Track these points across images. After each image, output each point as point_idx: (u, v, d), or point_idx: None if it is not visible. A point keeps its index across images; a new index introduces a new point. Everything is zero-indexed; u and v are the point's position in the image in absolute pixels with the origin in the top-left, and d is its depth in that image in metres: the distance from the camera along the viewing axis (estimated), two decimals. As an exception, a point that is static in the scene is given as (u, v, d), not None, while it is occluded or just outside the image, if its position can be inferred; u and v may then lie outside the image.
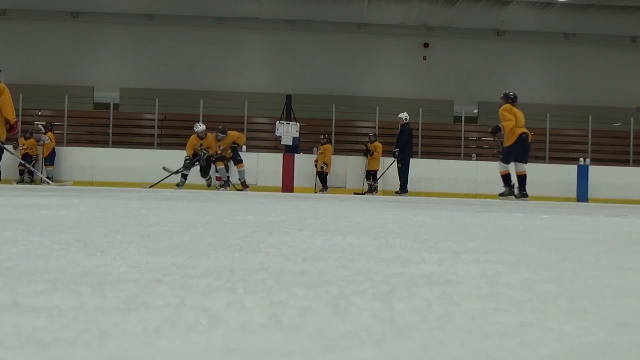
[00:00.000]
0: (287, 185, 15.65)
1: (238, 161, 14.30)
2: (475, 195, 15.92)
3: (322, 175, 15.85)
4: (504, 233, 2.44)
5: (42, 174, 16.06)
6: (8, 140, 16.68)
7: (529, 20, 22.26)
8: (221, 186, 14.09)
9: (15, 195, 5.18)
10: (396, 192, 14.51)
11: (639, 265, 1.51)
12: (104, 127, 19.25)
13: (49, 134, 16.34)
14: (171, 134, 19.33)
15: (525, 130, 11.52)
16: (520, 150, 11.55)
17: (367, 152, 16.05)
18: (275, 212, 3.44)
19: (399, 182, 14.46)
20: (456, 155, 18.83)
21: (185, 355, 0.60)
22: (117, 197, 5.59)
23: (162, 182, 13.85)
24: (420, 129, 18.68)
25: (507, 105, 11.55)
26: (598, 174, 16.61)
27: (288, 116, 16.51)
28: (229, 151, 14.23)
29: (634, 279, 1.22)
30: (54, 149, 16.38)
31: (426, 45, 22.73)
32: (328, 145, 15.98)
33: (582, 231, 2.88)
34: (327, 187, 15.80)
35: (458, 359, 0.61)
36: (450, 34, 22.41)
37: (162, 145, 18.53)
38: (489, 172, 16.77)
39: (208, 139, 13.98)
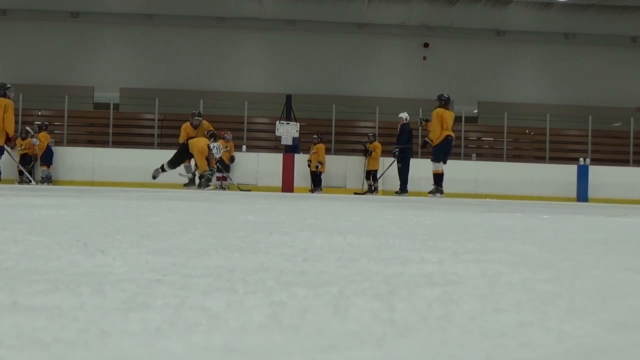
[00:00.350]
0: (287, 185, 15.65)
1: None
2: (475, 195, 15.93)
3: (316, 175, 15.89)
4: (504, 233, 2.44)
5: (35, 173, 16.10)
6: (8, 140, 16.71)
7: (529, 20, 22.26)
8: (185, 185, 13.07)
9: (15, 195, 5.18)
10: (396, 192, 14.51)
11: (639, 265, 1.51)
12: (104, 127, 19.25)
13: (42, 134, 16.30)
14: (171, 134, 19.29)
15: (451, 133, 12.08)
16: (444, 150, 12.07)
17: (366, 152, 16.07)
18: (275, 212, 3.44)
19: (399, 182, 14.46)
20: (456, 155, 18.83)
21: (185, 355, 0.60)
22: (117, 197, 5.59)
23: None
24: (420, 129, 18.68)
25: (440, 110, 12.06)
26: (598, 174, 16.62)
27: (288, 116, 16.51)
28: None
29: (634, 279, 1.22)
30: (50, 149, 16.35)
31: (426, 45, 22.73)
32: (321, 145, 16.00)
33: (582, 231, 2.88)
34: (321, 187, 15.83)
35: (458, 359, 0.61)
36: (450, 34, 22.41)
37: (162, 145, 18.53)
38: (489, 172, 16.79)
39: (202, 127, 13.17)
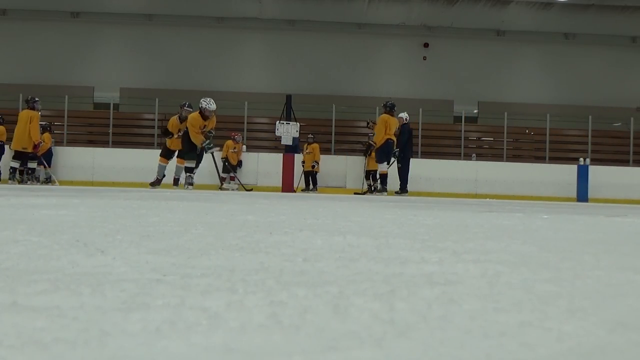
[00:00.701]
0: (287, 185, 15.65)
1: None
2: (475, 195, 15.93)
3: (312, 175, 15.91)
4: (504, 233, 2.44)
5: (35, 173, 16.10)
6: (8, 140, 16.72)
7: (529, 20, 22.26)
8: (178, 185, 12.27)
9: (15, 195, 5.18)
10: (396, 192, 14.51)
11: (639, 265, 1.51)
12: (103, 127, 19.25)
13: (45, 134, 16.31)
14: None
15: (392, 137, 13.16)
16: (386, 152, 13.18)
17: (366, 152, 16.08)
18: (275, 212, 3.44)
19: (399, 182, 14.46)
20: (456, 155, 18.84)
21: (185, 355, 0.60)
22: (117, 197, 5.59)
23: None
24: (420, 129, 18.68)
25: (385, 116, 13.29)
26: (598, 174, 16.62)
27: (288, 116, 16.51)
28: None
29: (634, 279, 1.22)
30: (50, 149, 16.36)
31: (426, 45, 22.73)
32: (316, 145, 16.01)
33: (582, 231, 2.88)
34: (317, 187, 15.85)
35: (458, 359, 0.61)
36: (450, 34, 22.41)
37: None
38: (489, 172, 16.79)
39: (212, 121, 12.25)
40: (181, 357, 0.59)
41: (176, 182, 12.57)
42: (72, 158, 16.66)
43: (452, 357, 0.61)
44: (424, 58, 22.75)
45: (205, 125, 12.09)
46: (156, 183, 12.65)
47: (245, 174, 16.00)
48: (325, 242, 1.74)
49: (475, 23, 22.18)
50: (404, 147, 14.23)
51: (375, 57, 22.50)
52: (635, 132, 19.54)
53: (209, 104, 12.16)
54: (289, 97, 16.87)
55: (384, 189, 13.26)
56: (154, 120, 19.26)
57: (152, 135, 19.17)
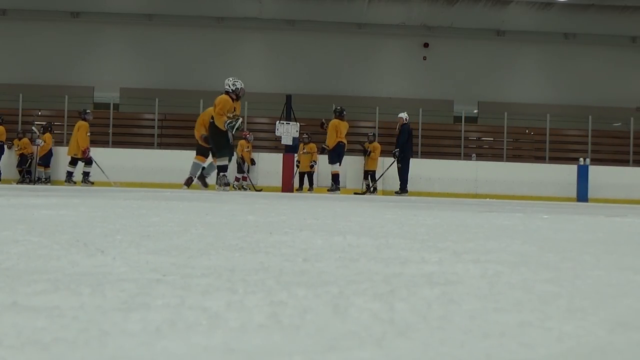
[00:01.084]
0: (287, 185, 15.64)
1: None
2: (475, 195, 15.93)
3: (309, 175, 15.91)
4: (504, 233, 2.44)
5: (35, 174, 16.11)
6: (8, 139, 16.73)
7: (529, 20, 22.26)
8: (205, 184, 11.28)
9: (15, 195, 5.18)
10: (396, 192, 14.51)
11: (639, 265, 1.51)
12: (104, 127, 19.24)
13: (47, 135, 16.31)
14: (171, 134, 19.34)
15: (344, 140, 14.27)
16: (338, 153, 14.20)
17: (365, 152, 16.10)
18: (275, 212, 3.44)
19: (399, 182, 14.46)
20: (456, 155, 18.84)
21: (185, 355, 0.60)
22: (117, 197, 5.59)
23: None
24: (420, 129, 18.69)
25: (335, 121, 14.20)
26: (598, 174, 16.62)
27: (288, 116, 16.50)
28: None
29: (634, 279, 1.22)
30: (50, 150, 16.36)
31: (426, 45, 22.73)
32: (313, 144, 16.02)
33: (582, 231, 2.88)
34: (313, 187, 15.87)
35: (458, 359, 0.61)
36: (450, 34, 22.41)
37: (162, 145, 18.54)
38: (489, 172, 16.79)
39: (239, 105, 11.06)
40: (181, 357, 0.59)
41: (189, 182, 11.47)
42: (72, 158, 16.63)
43: (452, 357, 0.61)
44: (424, 58, 22.74)
45: (234, 109, 10.81)
46: (190, 182, 11.51)
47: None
48: (325, 242, 1.74)
49: (475, 23, 22.18)
50: (403, 147, 14.23)
51: (375, 57, 22.50)
52: (635, 132, 19.54)
53: (240, 83, 10.97)
54: (289, 97, 16.87)
55: (337, 188, 14.19)
56: (154, 120, 19.27)
57: (152, 135, 19.17)
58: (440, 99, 22.00)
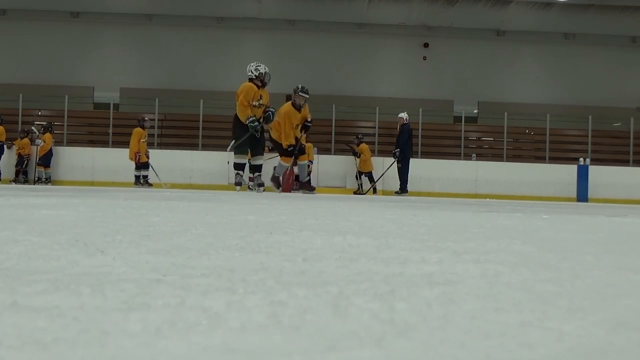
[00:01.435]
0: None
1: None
2: (475, 195, 15.93)
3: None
4: (504, 233, 2.44)
5: (35, 174, 16.13)
6: (8, 139, 16.74)
7: (529, 20, 22.26)
8: (257, 185, 9.57)
9: (15, 195, 5.18)
10: (396, 192, 14.51)
11: (639, 265, 1.51)
12: (103, 127, 19.25)
13: (47, 135, 16.32)
14: (171, 134, 19.34)
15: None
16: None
17: (355, 153, 16.24)
18: (275, 212, 3.44)
19: (399, 182, 14.46)
20: (456, 155, 18.84)
21: (185, 355, 0.60)
22: (117, 197, 5.58)
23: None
24: (420, 129, 18.69)
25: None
26: (598, 174, 16.62)
27: (288, 116, 16.49)
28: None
29: (634, 279, 1.22)
30: (51, 150, 16.37)
31: (426, 45, 22.73)
32: (310, 144, 16.04)
33: (582, 231, 2.88)
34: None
35: (458, 359, 0.61)
36: (450, 34, 22.41)
37: (162, 145, 18.54)
38: (489, 172, 16.79)
39: (266, 93, 9.90)
40: (181, 357, 0.59)
41: (278, 181, 10.52)
42: (72, 158, 16.67)
43: (452, 357, 0.61)
44: (424, 58, 22.75)
45: (260, 96, 9.71)
46: (278, 181, 10.68)
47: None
48: (325, 242, 1.74)
49: (475, 23, 22.18)
50: (403, 147, 14.24)
51: (375, 57, 22.50)
52: (635, 132, 19.54)
53: (264, 67, 9.81)
54: (289, 97, 16.87)
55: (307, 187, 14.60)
56: (154, 120, 19.26)
57: (152, 136, 19.16)
58: (440, 99, 22.00)
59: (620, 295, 1.01)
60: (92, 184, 15.87)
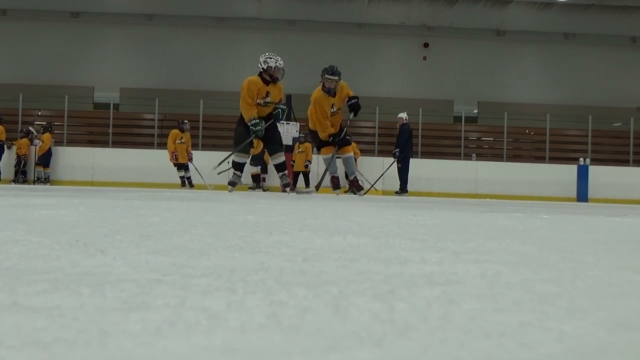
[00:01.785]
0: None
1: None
2: (475, 195, 15.93)
3: (304, 174, 15.94)
4: (504, 233, 2.44)
5: (34, 174, 16.14)
6: (8, 139, 16.75)
7: (529, 20, 22.27)
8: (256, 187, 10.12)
9: (15, 195, 5.18)
10: (396, 192, 14.51)
11: (639, 265, 1.50)
12: (103, 127, 19.26)
13: (46, 135, 16.32)
14: (171, 134, 19.34)
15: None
16: (259, 157, 14.80)
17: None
18: (275, 212, 3.44)
19: (399, 182, 14.46)
20: (456, 155, 18.85)
21: (185, 355, 0.60)
22: (117, 197, 5.58)
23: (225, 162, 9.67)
24: (420, 129, 18.69)
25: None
26: (598, 174, 16.63)
27: (288, 116, 16.49)
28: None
29: (634, 279, 1.22)
30: (50, 150, 16.37)
31: (426, 45, 22.73)
32: (308, 144, 16.04)
33: (582, 231, 2.88)
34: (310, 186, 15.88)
35: (458, 359, 0.61)
36: (450, 34, 22.42)
37: (162, 145, 18.54)
38: (489, 172, 16.79)
39: (278, 89, 8.92)
40: (181, 357, 0.59)
41: (337, 181, 9.88)
42: (72, 158, 16.68)
43: (452, 357, 0.61)
44: (424, 58, 22.75)
45: (267, 94, 8.61)
46: (336, 181, 10.05)
47: (246, 174, 16.04)
48: (325, 242, 1.74)
49: (475, 23, 22.19)
50: (403, 147, 14.23)
51: (375, 57, 22.50)
52: (635, 132, 19.55)
53: (276, 60, 8.67)
54: (289, 97, 16.86)
55: (258, 187, 14.98)
56: (154, 120, 19.26)
57: (152, 136, 19.16)
58: (440, 99, 22.01)
59: (620, 295, 1.01)
60: (92, 184, 15.87)
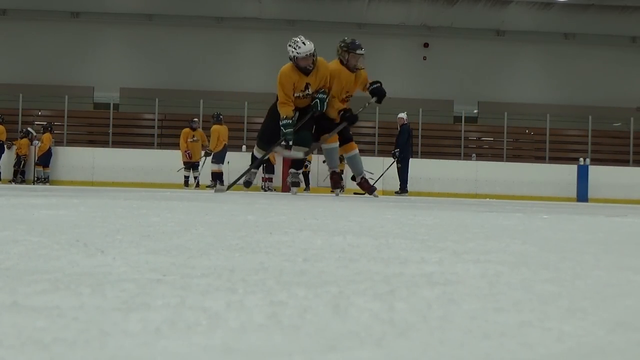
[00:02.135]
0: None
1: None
2: (476, 195, 15.93)
3: (304, 175, 15.95)
4: (504, 233, 2.44)
5: (34, 174, 16.15)
6: (8, 139, 16.74)
7: (529, 20, 22.27)
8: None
9: (15, 195, 5.18)
10: (396, 192, 14.51)
11: (639, 265, 1.50)
12: (103, 127, 19.26)
13: (46, 135, 16.33)
14: (171, 134, 19.34)
15: (226, 141, 15.59)
16: (222, 157, 15.39)
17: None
18: (275, 212, 3.44)
19: (399, 182, 14.46)
20: (456, 155, 18.85)
21: (185, 355, 0.59)
22: (117, 197, 5.58)
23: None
24: (420, 129, 18.69)
25: (215, 126, 15.32)
26: (598, 174, 16.63)
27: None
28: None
29: (634, 279, 1.22)
30: (50, 150, 16.38)
31: (426, 45, 22.73)
32: None
33: (582, 231, 2.88)
34: (309, 187, 15.89)
35: (458, 359, 0.61)
36: (450, 34, 22.42)
37: (162, 145, 18.55)
38: (489, 172, 16.79)
39: (320, 75, 7.89)
40: (181, 357, 0.59)
41: (363, 180, 8.84)
42: (72, 158, 16.69)
43: (452, 357, 0.61)
44: (424, 58, 22.75)
45: (307, 86, 7.62)
46: (363, 180, 8.94)
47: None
48: (325, 242, 1.74)
49: (475, 23, 22.19)
50: (403, 147, 14.24)
51: (375, 57, 22.48)
52: (635, 132, 19.56)
53: (297, 46, 7.62)
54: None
55: (215, 185, 14.61)
56: (154, 120, 19.26)
57: (152, 135, 19.16)
58: (440, 99, 22.01)
59: (620, 295, 1.01)
60: (92, 184, 15.87)
